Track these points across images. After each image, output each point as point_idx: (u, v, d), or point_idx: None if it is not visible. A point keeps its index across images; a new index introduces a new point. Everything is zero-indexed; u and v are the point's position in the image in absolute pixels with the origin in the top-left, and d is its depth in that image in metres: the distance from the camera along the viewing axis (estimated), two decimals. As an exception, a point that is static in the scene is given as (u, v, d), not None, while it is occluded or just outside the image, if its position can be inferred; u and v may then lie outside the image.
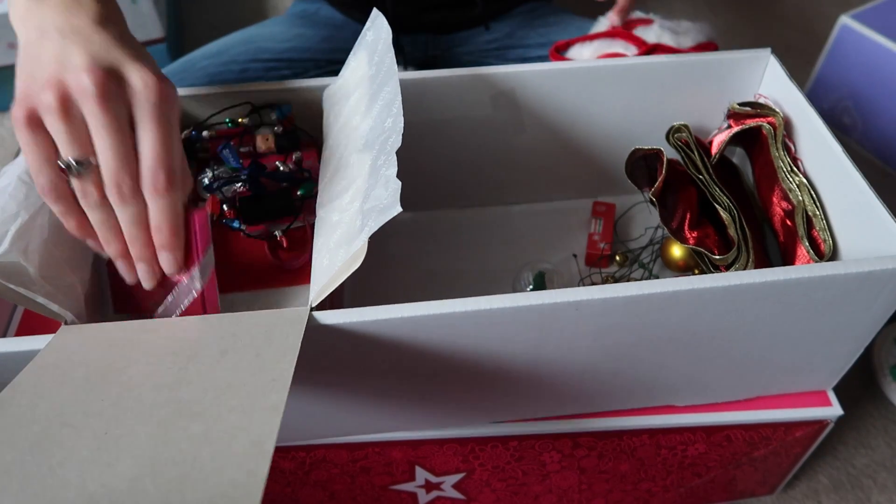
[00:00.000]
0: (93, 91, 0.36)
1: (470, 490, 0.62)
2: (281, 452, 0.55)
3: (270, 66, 0.78)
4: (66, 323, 0.41)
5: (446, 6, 0.81)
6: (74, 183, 0.38)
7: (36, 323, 0.54)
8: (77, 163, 0.37)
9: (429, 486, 0.62)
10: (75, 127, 0.37)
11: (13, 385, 0.35)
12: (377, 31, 0.48)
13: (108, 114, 0.36)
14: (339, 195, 0.45)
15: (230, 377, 0.34)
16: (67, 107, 0.36)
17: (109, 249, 0.41)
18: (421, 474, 0.60)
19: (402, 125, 0.41)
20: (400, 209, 0.37)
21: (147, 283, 0.42)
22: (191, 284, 0.42)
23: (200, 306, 0.43)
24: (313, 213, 0.49)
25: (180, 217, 0.41)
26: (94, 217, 0.39)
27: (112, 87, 0.37)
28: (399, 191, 0.38)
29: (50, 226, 0.43)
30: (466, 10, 0.82)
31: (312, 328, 0.39)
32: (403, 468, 0.59)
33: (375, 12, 0.48)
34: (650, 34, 0.69)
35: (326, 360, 0.43)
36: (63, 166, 0.37)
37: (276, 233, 0.51)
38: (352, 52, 0.53)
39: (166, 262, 0.41)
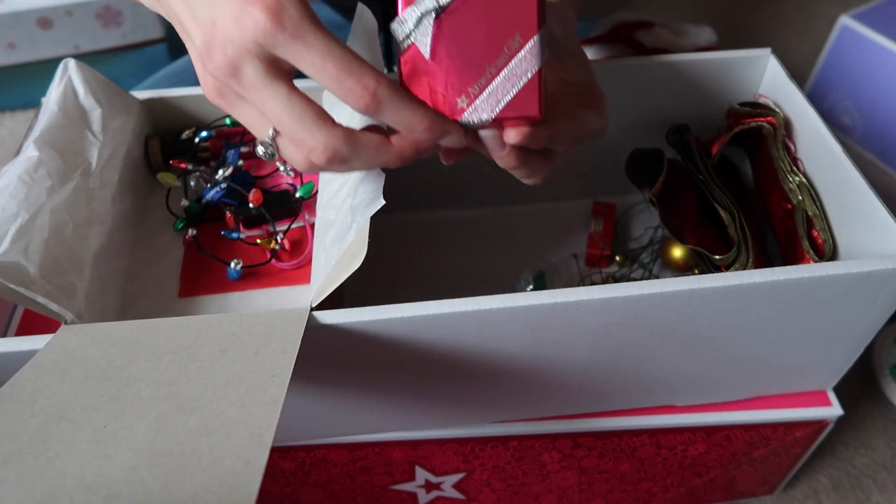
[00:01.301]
0: None
1: (470, 490, 0.62)
2: (281, 452, 0.55)
3: None
4: (66, 322, 0.41)
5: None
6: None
7: (36, 323, 0.54)
8: None
9: (429, 486, 0.62)
10: None
11: (12, 382, 0.35)
12: (364, 25, 0.48)
13: None
14: (336, 193, 0.45)
15: (229, 374, 0.34)
16: None
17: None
18: (421, 474, 0.60)
19: None
20: (383, 202, 0.39)
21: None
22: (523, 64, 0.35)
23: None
24: (313, 213, 0.49)
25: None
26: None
27: None
28: (382, 182, 0.40)
29: (50, 225, 0.43)
30: None
31: (312, 328, 0.39)
32: (403, 468, 0.59)
33: (360, 7, 0.48)
34: (650, 38, 0.69)
35: (326, 360, 0.43)
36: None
37: (278, 236, 0.51)
38: None
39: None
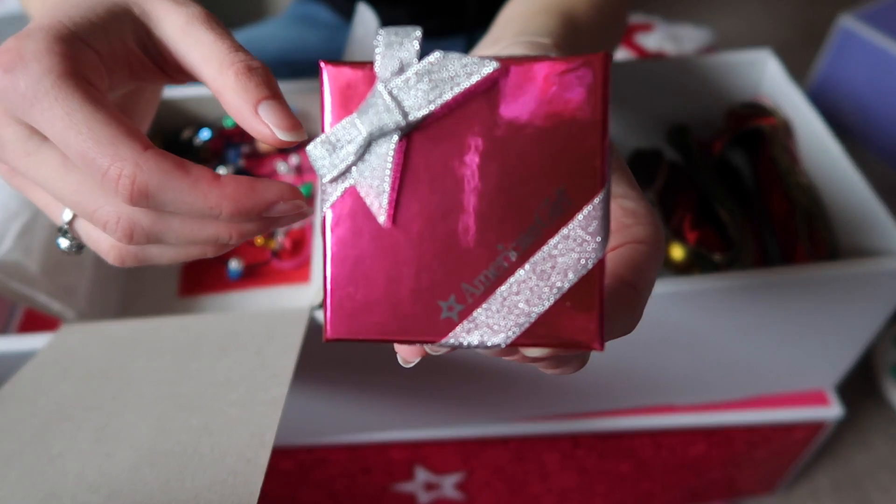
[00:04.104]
0: None
1: (470, 490, 0.62)
2: (281, 452, 0.55)
3: (270, 67, 0.78)
4: (67, 321, 0.41)
5: (438, 13, 0.81)
6: None
7: (37, 321, 0.54)
8: None
9: (429, 486, 0.62)
10: None
11: (14, 380, 0.35)
12: (365, 25, 0.48)
13: None
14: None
15: (231, 373, 0.34)
16: None
17: None
18: (421, 474, 0.60)
19: None
20: None
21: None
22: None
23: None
24: (314, 212, 0.49)
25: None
26: None
27: None
28: None
29: (51, 225, 0.43)
30: (456, 18, 0.82)
31: (313, 328, 0.39)
32: (403, 468, 0.59)
33: (361, 7, 0.48)
34: (650, 40, 0.69)
35: (326, 360, 0.43)
36: None
37: (278, 236, 0.51)
38: (347, 52, 0.54)
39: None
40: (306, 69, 0.81)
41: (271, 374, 0.33)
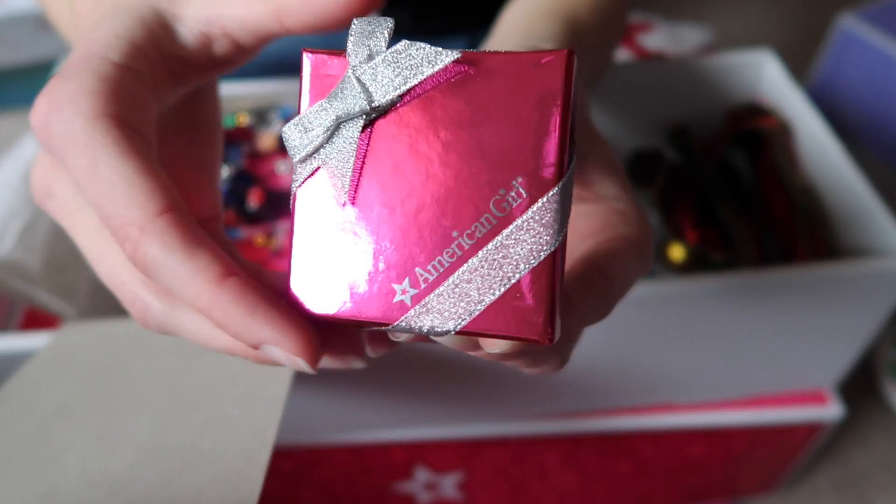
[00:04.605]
0: None
1: (470, 490, 0.62)
2: (281, 452, 0.55)
3: (270, 67, 0.78)
4: (68, 320, 0.41)
5: (439, 13, 0.81)
6: None
7: (38, 320, 0.54)
8: None
9: (429, 486, 0.62)
10: None
11: (15, 379, 0.35)
12: None
13: None
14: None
15: (232, 371, 0.34)
16: None
17: None
18: (421, 474, 0.60)
19: None
20: None
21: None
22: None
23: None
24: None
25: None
26: None
27: None
28: None
29: (53, 223, 0.43)
30: (458, 16, 0.82)
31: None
32: (403, 468, 0.59)
33: None
34: (650, 40, 0.69)
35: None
36: None
37: (279, 236, 0.51)
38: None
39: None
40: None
41: (272, 372, 0.34)
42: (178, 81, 0.24)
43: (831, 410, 0.56)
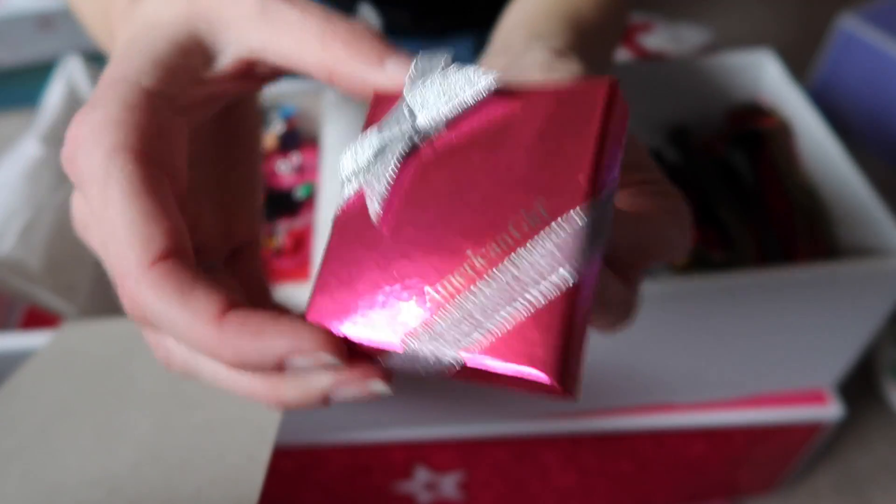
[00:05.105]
0: None
1: (470, 490, 0.62)
2: (281, 452, 0.55)
3: None
4: (68, 319, 0.41)
5: (440, 13, 0.81)
6: None
7: (38, 319, 0.54)
8: None
9: (429, 486, 0.62)
10: None
11: (16, 378, 0.35)
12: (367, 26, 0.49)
13: None
14: (339, 191, 0.46)
15: None
16: None
17: None
18: (421, 474, 0.60)
19: None
20: None
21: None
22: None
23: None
24: (312, 212, 0.49)
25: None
26: None
27: None
28: None
29: (54, 223, 0.43)
30: (461, 15, 0.82)
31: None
32: (403, 468, 0.59)
33: (363, 7, 0.48)
34: (650, 41, 0.69)
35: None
36: None
37: (279, 235, 0.51)
38: None
39: None
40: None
41: None
42: (211, 100, 0.24)
43: (831, 410, 0.56)
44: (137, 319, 0.19)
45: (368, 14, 0.49)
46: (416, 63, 0.20)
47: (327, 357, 0.18)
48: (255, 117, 0.27)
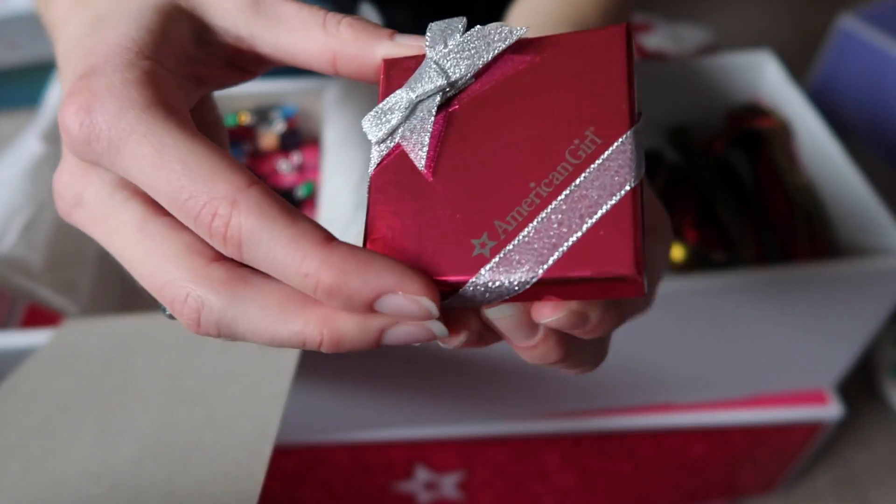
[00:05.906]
0: None
1: (470, 490, 0.63)
2: (281, 452, 0.55)
3: (271, 68, 0.79)
4: (70, 316, 0.41)
5: (441, 14, 0.81)
6: None
7: (39, 317, 0.54)
8: None
9: (429, 486, 0.62)
10: None
11: (17, 375, 0.35)
12: None
13: None
14: (339, 190, 0.46)
15: (233, 367, 0.34)
16: None
17: None
18: (421, 474, 0.60)
19: None
20: None
21: None
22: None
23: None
24: (314, 211, 0.49)
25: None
26: None
27: None
28: None
29: (56, 220, 0.43)
30: (456, 17, 0.82)
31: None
32: (403, 468, 0.59)
33: (363, 8, 0.48)
34: (651, 40, 0.69)
35: (327, 355, 0.43)
36: None
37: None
38: None
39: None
40: (307, 69, 0.81)
41: (274, 368, 0.34)
42: (199, 83, 0.23)
43: (831, 410, 0.56)
44: (230, 249, 0.19)
45: (368, 14, 0.49)
46: (432, 27, 0.21)
47: (428, 303, 0.18)
48: (214, 102, 0.27)
